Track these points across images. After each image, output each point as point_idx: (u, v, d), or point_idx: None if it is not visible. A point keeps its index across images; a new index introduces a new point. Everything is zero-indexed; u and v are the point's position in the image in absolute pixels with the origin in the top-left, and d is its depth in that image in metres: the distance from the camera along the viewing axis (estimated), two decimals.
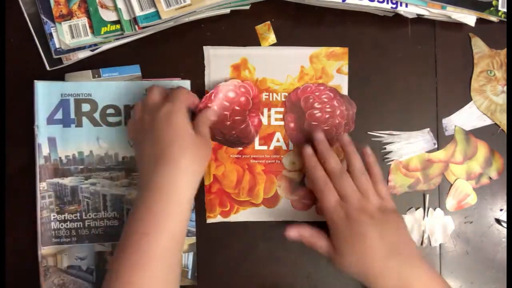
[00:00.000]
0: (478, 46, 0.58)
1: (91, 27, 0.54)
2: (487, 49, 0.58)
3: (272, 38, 0.58)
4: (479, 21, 0.57)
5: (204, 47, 0.57)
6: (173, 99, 0.49)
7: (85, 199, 0.55)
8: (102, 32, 0.54)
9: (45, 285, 0.54)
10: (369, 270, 0.47)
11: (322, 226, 0.57)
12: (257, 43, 0.57)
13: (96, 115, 0.55)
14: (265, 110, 0.57)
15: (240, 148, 0.57)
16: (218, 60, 0.57)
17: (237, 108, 0.55)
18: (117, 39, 0.55)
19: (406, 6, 0.55)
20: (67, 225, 0.55)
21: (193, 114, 0.53)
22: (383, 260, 0.47)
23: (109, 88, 0.55)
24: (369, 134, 0.58)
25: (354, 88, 0.58)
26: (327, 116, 0.57)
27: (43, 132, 0.54)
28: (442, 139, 0.58)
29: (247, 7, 0.57)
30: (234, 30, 0.57)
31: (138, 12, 0.53)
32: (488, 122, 0.58)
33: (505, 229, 0.58)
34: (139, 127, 0.49)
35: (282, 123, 0.57)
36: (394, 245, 0.47)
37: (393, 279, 0.46)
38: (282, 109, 0.57)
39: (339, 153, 0.57)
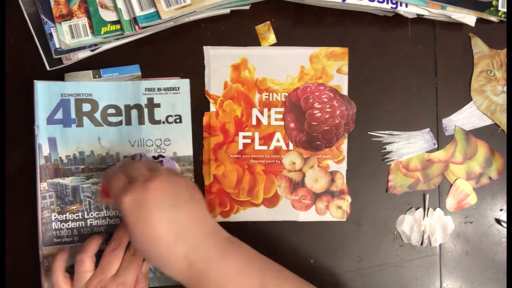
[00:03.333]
0: (478, 46, 0.58)
1: (91, 27, 0.54)
2: (487, 49, 0.58)
3: (272, 38, 0.58)
4: (479, 21, 0.57)
5: (204, 47, 0.57)
6: None
7: (86, 198, 0.55)
8: (102, 32, 0.54)
9: (46, 285, 0.54)
10: (159, 260, 0.43)
11: (323, 226, 0.57)
12: (257, 43, 0.57)
13: (97, 115, 0.55)
14: (265, 110, 0.57)
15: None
16: (218, 60, 0.57)
17: None
18: (117, 39, 0.55)
19: (406, 6, 0.55)
20: (68, 225, 0.55)
21: None
22: (168, 247, 0.42)
23: (110, 88, 0.55)
24: (369, 134, 0.58)
25: (354, 88, 0.58)
26: (327, 116, 0.57)
27: (43, 132, 0.54)
28: (442, 139, 0.58)
29: (247, 7, 0.57)
30: (234, 30, 0.57)
31: (138, 12, 0.53)
32: (488, 122, 0.58)
33: (505, 229, 0.58)
34: None
35: (282, 123, 0.57)
36: (181, 229, 0.42)
37: (184, 268, 0.42)
38: (282, 109, 0.57)
39: (339, 154, 0.58)
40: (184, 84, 0.57)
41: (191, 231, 0.43)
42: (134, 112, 0.56)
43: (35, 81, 0.54)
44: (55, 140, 0.55)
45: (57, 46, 0.54)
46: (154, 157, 0.56)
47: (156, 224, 0.42)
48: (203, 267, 0.42)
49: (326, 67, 0.57)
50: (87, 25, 0.54)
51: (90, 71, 0.55)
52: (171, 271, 0.43)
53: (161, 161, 0.56)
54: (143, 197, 0.42)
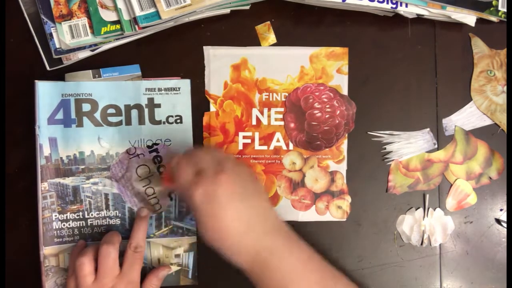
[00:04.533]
0: (478, 46, 0.58)
1: (91, 27, 0.54)
2: (487, 49, 0.58)
3: (272, 38, 0.58)
4: (479, 21, 0.57)
5: (204, 47, 0.57)
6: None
7: (87, 198, 0.55)
8: (102, 32, 0.54)
9: (47, 285, 0.54)
10: (229, 249, 0.45)
11: (323, 226, 0.57)
12: (257, 43, 0.57)
13: (97, 115, 0.55)
14: (265, 110, 0.57)
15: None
16: (218, 60, 0.57)
17: None
18: (117, 39, 0.55)
19: (406, 6, 0.55)
20: (69, 224, 0.55)
21: None
22: (238, 238, 0.44)
23: (110, 88, 0.55)
24: (369, 134, 0.58)
25: (354, 88, 0.58)
26: (327, 116, 0.57)
27: (44, 132, 0.54)
28: (442, 139, 0.58)
29: (247, 7, 0.57)
30: (234, 30, 0.57)
31: (138, 12, 0.53)
32: (488, 122, 0.58)
33: (505, 229, 0.58)
34: None
35: (282, 123, 0.57)
36: (250, 221, 0.45)
37: (251, 256, 0.44)
38: (282, 109, 0.57)
39: (339, 154, 0.58)
40: (184, 85, 0.57)
41: (258, 223, 0.45)
42: (134, 112, 0.56)
43: (36, 81, 0.54)
44: (56, 140, 0.55)
45: (57, 46, 0.54)
46: (148, 146, 0.56)
47: (228, 217, 0.44)
48: (269, 257, 0.44)
49: (326, 67, 0.57)
50: (87, 25, 0.54)
51: (90, 71, 0.55)
52: (238, 259, 0.45)
53: (156, 149, 0.56)
54: (214, 189, 0.44)
